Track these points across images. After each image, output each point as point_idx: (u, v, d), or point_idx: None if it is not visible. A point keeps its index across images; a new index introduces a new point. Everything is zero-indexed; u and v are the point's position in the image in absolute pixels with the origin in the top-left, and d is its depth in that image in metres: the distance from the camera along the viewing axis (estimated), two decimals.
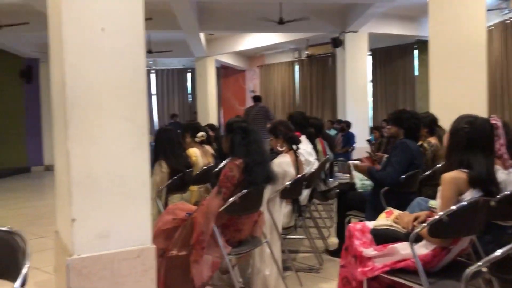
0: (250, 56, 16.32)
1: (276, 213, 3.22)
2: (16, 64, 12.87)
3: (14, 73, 12.86)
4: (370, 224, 2.44)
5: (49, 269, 3.74)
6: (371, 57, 13.27)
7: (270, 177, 2.90)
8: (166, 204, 3.70)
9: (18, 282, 1.47)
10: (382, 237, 2.30)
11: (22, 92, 13.10)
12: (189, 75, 17.09)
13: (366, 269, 2.21)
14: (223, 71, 16.78)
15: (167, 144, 3.87)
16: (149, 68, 16.01)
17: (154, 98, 16.82)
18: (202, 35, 12.00)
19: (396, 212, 2.49)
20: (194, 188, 4.15)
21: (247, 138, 2.80)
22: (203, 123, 7.25)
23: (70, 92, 1.91)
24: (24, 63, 13.00)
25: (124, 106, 2.00)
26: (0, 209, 7.03)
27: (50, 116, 11.98)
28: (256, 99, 9.67)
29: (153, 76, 16.79)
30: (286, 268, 3.44)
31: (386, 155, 3.91)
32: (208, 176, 4.04)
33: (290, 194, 3.32)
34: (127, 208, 1.98)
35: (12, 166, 12.68)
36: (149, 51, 11.18)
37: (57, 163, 2.27)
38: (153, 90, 16.86)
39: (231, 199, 2.62)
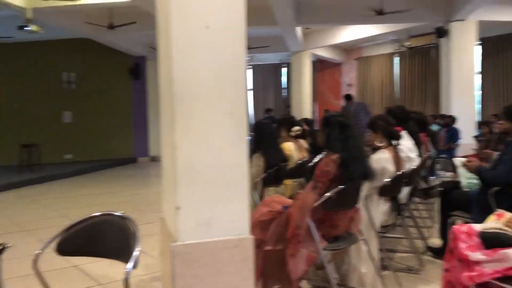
0: (347, 48, 15.98)
1: (373, 210, 3.14)
2: (125, 62, 13.93)
3: (123, 70, 13.94)
4: (477, 227, 2.28)
5: (155, 254, 4.01)
6: (479, 47, 12.28)
7: (367, 173, 2.83)
8: (261, 197, 3.78)
9: (131, 263, 1.60)
10: (492, 241, 2.14)
11: (130, 89, 14.16)
12: (284, 70, 17.20)
13: (473, 274, 2.07)
14: (319, 65, 16.63)
15: (264, 137, 3.94)
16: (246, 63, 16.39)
17: (250, 93, 17.20)
18: (298, 30, 12.00)
19: (508, 215, 2.30)
20: (288, 182, 4.18)
21: (344, 133, 2.76)
22: (297, 117, 7.27)
23: (177, 87, 2.02)
24: (133, 61, 14.02)
25: (226, 101, 2.07)
26: (111, 196, 7.69)
27: (155, 110, 12.85)
28: (348, 97, 9.51)
29: (249, 71, 17.18)
30: (383, 267, 3.34)
31: (496, 153, 3.62)
32: (302, 171, 4.04)
33: (388, 191, 3.21)
34: (228, 199, 2.06)
35: (121, 157, 13.81)
36: (248, 47, 11.43)
37: (163, 154, 2.42)
38: (250, 85, 17.25)
39: (327, 194, 2.60)
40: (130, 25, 9.83)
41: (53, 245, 1.92)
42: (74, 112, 13.34)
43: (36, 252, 1.77)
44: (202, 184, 2.03)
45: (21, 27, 8.56)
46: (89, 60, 13.36)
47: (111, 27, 10.06)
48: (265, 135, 3.97)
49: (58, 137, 12.96)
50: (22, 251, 4.15)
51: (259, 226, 2.78)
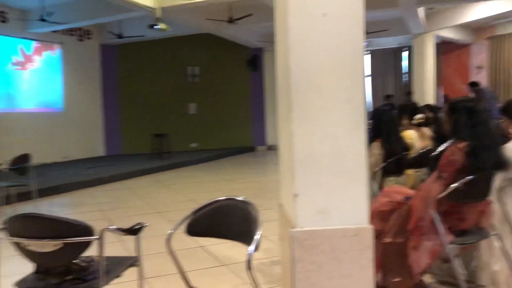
0: (477, 27, 14.59)
1: (508, 203, 2.86)
2: (244, 54, 14.41)
3: (242, 62, 14.45)
4: None
5: (274, 238, 4.13)
6: None
7: (501, 163, 2.58)
8: (381, 187, 3.67)
9: (252, 246, 1.68)
10: None
11: (248, 80, 14.64)
12: (404, 54, 16.32)
13: None
14: (443, 47, 15.45)
15: (383, 125, 3.80)
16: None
17: (368, 79, 16.66)
18: (421, 10, 11.28)
19: None
20: (410, 171, 3.99)
21: (474, 119, 2.55)
22: (420, 103, 6.87)
23: (294, 76, 2.05)
24: (250, 53, 14.45)
25: (343, 89, 2.05)
26: (232, 183, 8.07)
27: (272, 100, 13.06)
28: (473, 84, 8.75)
29: (367, 57, 16.62)
30: None
31: None
32: (425, 160, 3.82)
33: None
34: (345, 187, 2.04)
35: (240, 145, 14.39)
36: (365, 32, 11.07)
37: (281, 142, 2.47)
38: (368, 71, 16.70)
39: (454, 185, 2.43)
40: (248, 18, 10.13)
41: (183, 226, 2.07)
42: (198, 103, 14.22)
43: (169, 232, 1.94)
44: (319, 172, 2.03)
45: (151, 26, 9.33)
46: (211, 54, 14.08)
47: (231, 21, 10.47)
48: (384, 122, 3.83)
49: (185, 127, 13.95)
50: (156, 230, 4.58)
51: (379, 216, 2.71)
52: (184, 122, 14.00)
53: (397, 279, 2.61)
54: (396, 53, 16.55)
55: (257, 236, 1.70)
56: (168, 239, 1.98)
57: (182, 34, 12.34)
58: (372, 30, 11.51)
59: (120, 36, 11.88)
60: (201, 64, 14.11)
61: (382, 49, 16.40)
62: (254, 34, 13.50)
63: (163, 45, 13.31)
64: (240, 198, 1.91)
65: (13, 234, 1.91)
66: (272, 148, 14.46)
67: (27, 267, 2.09)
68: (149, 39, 12.56)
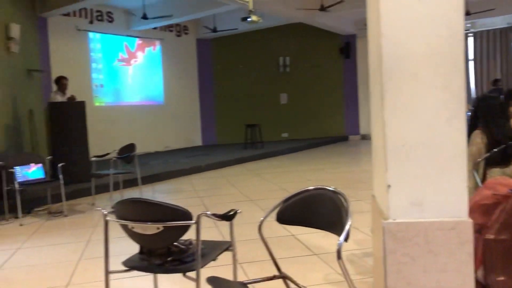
0: None
1: None
2: (336, 41, 14.16)
3: (334, 50, 14.20)
4: None
5: (365, 230, 4.07)
6: None
7: None
8: (484, 178, 3.42)
9: (342, 236, 1.67)
10: None
11: (341, 68, 14.36)
12: None
13: None
14: None
15: (487, 112, 3.53)
16: (466, 31, 14.79)
17: (471, 64, 15.48)
18: None
19: None
20: None
21: None
22: None
23: (386, 63, 1.99)
24: (343, 40, 14.15)
25: (440, 75, 1.94)
26: (323, 172, 8.03)
27: (365, 89, 12.70)
28: None
29: (470, 40, 15.43)
30: None
31: None
32: None
33: None
34: (441, 179, 1.94)
35: (332, 135, 14.22)
36: (467, 13, 10.30)
37: (373, 131, 2.41)
38: (470, 55, 15.51)
39: None
40: (340, 4, 9.93)
41: (274, 214, 2.12)
42: (289, 93, 14.28)
43: (261, 219, 2.00)
44: (414, 163, 1.96)
45: (244, 19, 9.52)
46: (302, 43, 14.04)
47: (322, 8, 10.34)
48: (488, 109, 3.56)
49: (276, 117, 14.10)
50: (249, 217, 4.73)
51: (480, 210, 2.54)
52: (276, 112, 14.16)
53: (501, 278, 2.44)
54: (504, 33, 15.17)
55: (347, 226, 1.69)
56: (260, 226, 2.04)
57: (273, 25, 12.45)
58: (476, 11, 10.66)
59: (214, 30, 12.30)
60: (291, 54, 14.13)
61: (488, 30, 15.13)
62: (347, 20, 13.20)
63: (254, 37, 13.54)
64: (330, 188, 1.91)
65: (120, 217, 2.10)
66: (366, 138, 14.10)
67: (132, 248, 2.29)
68: (241, 31, 12.85)
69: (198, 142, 13.83)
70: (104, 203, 6.20)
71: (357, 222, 4.06)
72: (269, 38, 13.77)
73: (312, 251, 3.65)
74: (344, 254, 1.71)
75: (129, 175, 6.58)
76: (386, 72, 1.99)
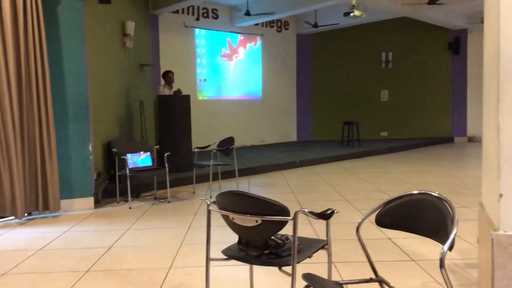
0: None
1: None
2: (444, 37, 13.35)
3: (441, 46, 13.40)
4: None
5: (469, 239, 3.82)
6: None
7: None
8: None
9: (447, 245, 1.60)
10: None
11: (449, 65, 13.52)
12: None
13: None
14: None
15: None
16: None
17: None
18: None
19: None
20: None
21: None
22: None
23: (504, 63, 1.85)
24: (452, 35, 13.30)
25: None
26: (424, 175, 7.65)
27: (476, 87, 11.84)
28: None
29: None
30: None
31: None
32: None
33: None
34: None
35: (436, 135, 13.47)
36: None
37: (485, 135, 2.27)
38: None
39: None
40: None
41: (371, 216, 2.09)
42: (390, 90, 13.78)
43: (359, 220, 1.98)
44: None
45: (346, 14, 9.38)
46: (406, 38, 13.45)
47: (431, 2, 9.81)
48: None
49: (376, 115, 13.70)
50: (344, 217, 4.68)
51: None
52: (375, 109, 13.75)
53: None
54: None
55: (452, 235, 1.61)
56: (358, 227, 2.02)
57: (376, 20, 12.09)
58: None
59: (315, 25, 12.25)
60: (395, 50, 13.60)
61: None
62: (457, 14, 12.38)
63: (356, 32, 13.26)
64: (435, 194, 1.83)
65: (222, 207, 2.20)
66: (473, 140, 13.15)
67: (227, 237, 2.39)
68: (342, 26, 12.66)
69: (294, 137, 13.92)
70: (204, 192, 6.52)
71: (460, 230, 3.83)
72: (371, 33, 13.40)
73: (410, 256, 3.52)
74: (445, 262, 1.63)
75: (227, 166, 6.84)
76: (504, 72, 1.86)
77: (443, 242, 1.65)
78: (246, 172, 7.93)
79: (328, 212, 2.11)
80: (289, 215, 2.02)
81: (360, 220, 2.03)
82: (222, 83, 12.32)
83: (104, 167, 6.69)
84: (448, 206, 1.76)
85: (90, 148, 5.53)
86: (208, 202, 2.29)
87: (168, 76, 8.01)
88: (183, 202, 5.94)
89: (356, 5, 9.13)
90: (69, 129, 5.41)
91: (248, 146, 12.33)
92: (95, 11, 6.60)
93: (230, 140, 6.46)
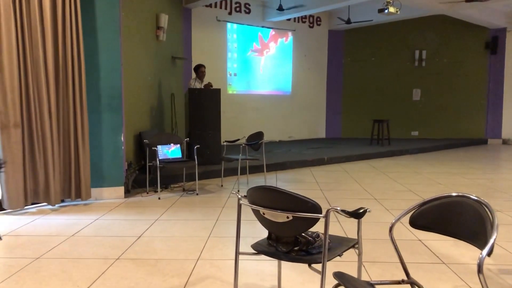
0: None
1: None
2: (481, 35, 12.95)
3: (478, 45, 13.02)
4: None
5: (504, 244, 3.71)
6: None
7: None
8: None
9: (486, 250, 1.54)
10: None
11: (485, 64, 13.12)
12: None
13: None
14: None
15: None
16: None
17: None
18: None
19: None
20: None
21: None
22: None
23: None
24: (490, 34, 12.90)
25: None
26: (456, 177, 7.45)
27: None
28: None
29: None
30: None
31: None
32: None
33: None
34: None
35: (468, 137, 13.12)
36: None
37: None
38: None
39: None
40: None
41: (402, 216, 2.04)
42: (423, 89, 13.49)
43: (393, 220, 1.94)
44: None
45: (381, 10, 9.21)
46: (441, 37, 13.13)
47: (469, 0, 9.52)
48: None
49: (407, 114, 13.45)
50: (373, 217, 4.61)
51: None
52: (406, 108, 13.50)
53: None
54: None
55: (492, 240, 1.55)
56: (391, 228, 1.98)
57: (410, 17, 11.83)
58: None
59: (348, 22, 12.08)
60: (429, 48, 13.29)
61: None
62: (497, 12, 11.98)
63: (389, 29, 13.02)
64: (473, 197, 1.77)
65: (252, 202, 2.19)
66: (508, 143, 12.76)
67: (255, 231, 2.39)
68: (376, 23, 12.45)
69: (322, 134, 13.81)
70: (231, 186, 6.53)
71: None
72: (405, 30, 13.13)
73: (441, 259, 3.43)
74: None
75: (255, 161, 6.83)
76: None
77: (481, 247, 1.60)
78: (274, 167, 7.91)
79: (361, 211, 2.07)
80: (321, 213, 1.99)
81: (393, 221, 1.99)
82: (252, 78, 12.31)
83: (135, 157, 6.79)
84: (487, 210, 1.70)
85: (122, 138, 5.62)
86: (239, 196, 2.28)
87: (200, 70, 8.05)
88: (211, 195, 5.98)
89: (391, 1, 8.95)
90: (102, 119, 5.51)
91: (276, 141, 12.30)
92: (130, 3, 6.68)
93: (259, 134, 6.45)
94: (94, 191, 5.49)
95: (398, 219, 1.95)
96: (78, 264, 3.32)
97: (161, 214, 4.88)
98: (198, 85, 7.95)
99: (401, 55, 13.45)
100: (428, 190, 6.22)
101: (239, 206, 2.31)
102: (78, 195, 5.28)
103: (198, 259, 3.41)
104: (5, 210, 4.88)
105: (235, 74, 11.93)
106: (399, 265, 1.99)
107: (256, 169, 7.42)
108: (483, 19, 11.99)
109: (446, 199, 1.85)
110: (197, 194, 5.95)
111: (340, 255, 2.16)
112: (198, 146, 6.10)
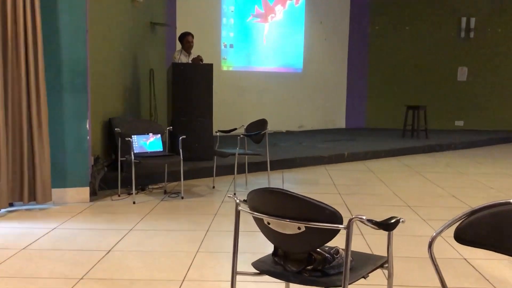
0: None
1: None
2: None
3: None
4: None
5: None
6: None
7: None
8: None
9: None
10: None
11: None
12: None
13: None
14: None
15: None
16: None
17: None
18: None
19: None
20: None
21: None
22: None
23: None
24: None
25: None
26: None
27: None
28: None
29: None
30: None
31: None
32: None
33: None
34: None
35: None
36: None
37: None
38: None
39: None
40: None
41: (444, 229, 2.03)
42: (471, 67, 13.47)
43: (433, 234, 1.93)
44: None
45: None
46: (495, 0, 13.08)
47: None
48: None
49: (450, 99, 13.45)
50: (406, 229, 4.62)
51: None
52: (449, 91, 13.49)
53: None
54: None
55: None
56: (431, 243, 1.97)
57: None
58: None
59: None
60: (479, 15, 13.25)
61: None
62: None
63: None
64: None
65: (254, 208, 2.19)
66: None
67: (259, 246, 2.39)
68: None
69: (341, 123, 13.82)
70: (226, 187, 6.54)
71: None
72: None
73: (491, 283, 3.44)
74: None
75: (256, 157, 6.83)
76: None
77: None
78: (280, 164, 7.92)
79: (392, 221, 2.06)
80: (341, 223, 1.99)
81: (434, 234, 1.98)
82: (253, 51, 12.30)
83: (104, 150, 6.80)
84: None
85: (88, 126, 5.62)
86: (237, 201, 2.28)
87: (186, 40, 8.04)
88: (200, 198, 5.98)
89: None
90: (63, 102, 5.50)
91: (283, 132, 12.31)
92: None
93: (262, 123, 6.44)
94: (52, 193, 5.49)
95: (440, 233, 1.95)
96: (30, 285, 3.33)
97: (136, 222, 4.88)
98: (184, 59, 7.94)
99: (443, 23, 13.41)
100: (477, 196, 6.22)
101: (237, 213, 2.31)
102: (33, 198, 5.28)
103: (183, 280, 3.42)
104: None
105: (231, 46, 11.92)
106: None
107: (257, 167, 7.43)
108: None
109: (501, 207, 1.84)
110: (182, 197, 5.96)
111: (365, 277, 2.16)
112: (184, 136, 6.09)
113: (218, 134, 6.68)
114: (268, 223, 2.14)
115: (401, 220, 2.08)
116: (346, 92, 13.81)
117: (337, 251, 2.20)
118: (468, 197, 6.14)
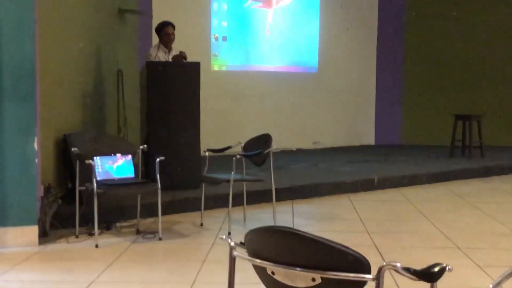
0: None
1: None
2: None
3: None
4: None
5: None
6: None
7: None
8: None
9: None
10: None
11: None
12: None
13: None
14: None
15: None
16: None
17: None
18: None
19: None
20: None
21: None
22: None
23: None
24: None
25: None
26: None
27: None
28: None
29: None
30: None
31: None
32: None
33: None
34: None
35: None
36: None
37: None
38: None
39: None
40: None
41: (505, 279, 2.03)
42: None
43: (490, 286, 1.93)
44: None
45: None
46: None
47: None
48: None
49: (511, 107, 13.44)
50: (455, 277, 4.58)
51: None
52: (511, 97, 13.50)
53: None
54: None
55: None
56: None
57: None
58: None
59: None
60: None
61: None
62: None
63: None
64: None
65: (255, 253, 2.18)
66: None
67: None
68: None
69: (370, 139, 13.82)
70: (218, 225, 6.52)
71: None
72: None
73: None
74: None
75: (258, 184, 6.83)
76: None
77: None
78: (289, 193, 7.91)
79: (436, 269, 2.06)
80: (369, 272, 1.98)
81: (491, 286, 1.98)
82: (253, 45, 12.34)
83: (57, 177, 6.79)
84: None
85: (36, 145, 5.62)
86: (232, 244, 2.28)
87: (165, 32, 8.08)
88: (184, 240, 5.97)
89: None
90: (3, 114, 5.50)
91: (292, 150, 12.31)
92: None
93: (265, 139, 6.45)
94: None
95: (499, 283, 1.95)
96: None
97: (99, 273, 4.86)
98: (162, 56, 7.97)
99: (501, 8, 13.48)
100: None
101: (232, 259, 2.30)
102: None
103: None
104: None
105: (224, 39, 11.97)
106: None
107: (260, 196, 7.42)
108: None
109: None
110: (160, 238, 5.94)
111: None
112: (163, 158, 6.09)
113: (207, 154, 6.68)
114: (273, 273, 2.13)
115: (447, 268, 2.07)
116: (376, 98, 13.83)
117: None
118: None
